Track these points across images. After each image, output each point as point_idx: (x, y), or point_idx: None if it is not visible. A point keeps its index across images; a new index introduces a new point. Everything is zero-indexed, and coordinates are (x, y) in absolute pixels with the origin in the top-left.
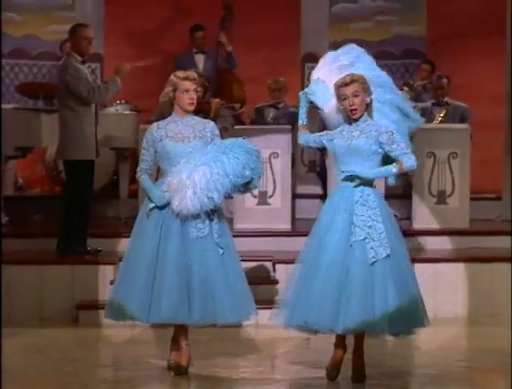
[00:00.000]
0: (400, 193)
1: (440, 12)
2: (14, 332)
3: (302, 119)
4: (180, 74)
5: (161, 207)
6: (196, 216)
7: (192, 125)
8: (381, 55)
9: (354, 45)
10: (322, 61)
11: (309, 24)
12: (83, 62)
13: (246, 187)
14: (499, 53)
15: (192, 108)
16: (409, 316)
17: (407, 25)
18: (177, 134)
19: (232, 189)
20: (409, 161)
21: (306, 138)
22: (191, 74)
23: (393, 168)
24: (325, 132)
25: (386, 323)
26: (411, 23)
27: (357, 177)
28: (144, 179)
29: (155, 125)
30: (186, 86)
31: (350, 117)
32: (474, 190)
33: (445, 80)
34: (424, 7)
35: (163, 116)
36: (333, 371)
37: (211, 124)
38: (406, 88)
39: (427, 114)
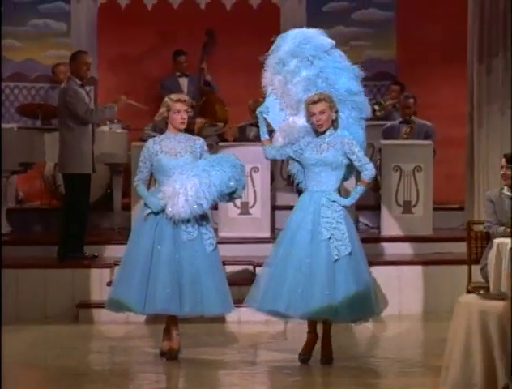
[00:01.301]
0: (372, 204)
1: (409, 39)
2: (22, 328)
3: (263, 134)
4: (173, 96)
5: (156, 213)
6: (187, 221)
7: (184, 141)
8: None
9: (294, 36)
10: (268, 66)
11: None
12: (82, 86)
13: (231, 196)
14: (461, 77)
15: (183, 126)
16: (365, 305)
17: (378, 49)
18: (171, 149)
19: (218, 197)
20: (367, 172)
21: (273, 154)
22: (183, 96)
23: (359, 188)
24: (288, 143)
25: (347, 311)
26: (382, 47)
27: (336, 202)
28: (141, 188)
29: (151, 141)
30: (178, 107)
31: (317, 131)
32: (440, 202)
33: (411, 100)
34: (394, 34)
35: (155, 131)
36: (305, 356)
37: (200, 141)
38: (377, 107)
39: (395, 131)
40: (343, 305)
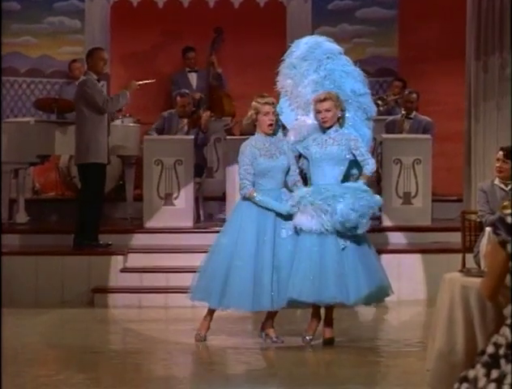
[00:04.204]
0: None
1: (410, 36)
2: (41, 312)
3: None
4: (260, 99)
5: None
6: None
7: (274, 142)
8: None
9: (306, 43)
10: (282, 69)
11: None
12: (98, 80)
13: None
14: (460, 74)
15: (272, 128)
16: (377, 288)
17: (381, 47)
18: (267, 151)
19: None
20: (368, 167)
21: None
22: (270, 98)
23: (362, 182)
24: (298, 141)
25: (359, 295)
26: (384, 45)
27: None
28: (262, 198)
29: (249, 145)
30: (266, 109)
31: (323, 127)
32: (440, 194)
33: (414, 95)
34: (396, 32)
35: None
36: (308, 336)
37: (284, 140)
38: (380, 102)
39: (396, 126)
40: (355, 290)
